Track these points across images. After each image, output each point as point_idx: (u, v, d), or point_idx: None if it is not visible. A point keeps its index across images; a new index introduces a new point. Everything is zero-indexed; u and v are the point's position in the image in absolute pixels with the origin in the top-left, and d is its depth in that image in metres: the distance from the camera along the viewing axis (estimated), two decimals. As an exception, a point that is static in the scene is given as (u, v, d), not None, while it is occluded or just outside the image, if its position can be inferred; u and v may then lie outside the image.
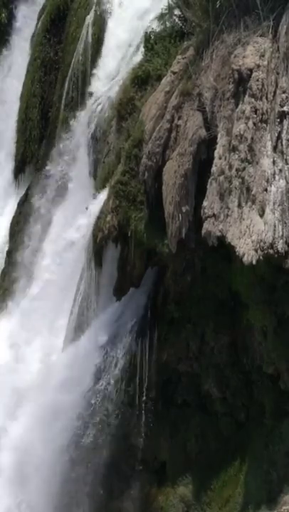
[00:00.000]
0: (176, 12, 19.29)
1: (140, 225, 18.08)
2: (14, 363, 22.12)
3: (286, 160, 15.49)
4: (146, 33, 20.12)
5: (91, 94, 22.58)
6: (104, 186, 19.50)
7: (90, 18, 23.47)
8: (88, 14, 23.61)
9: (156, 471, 19.32)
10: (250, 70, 15.87)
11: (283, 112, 15.60)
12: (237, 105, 16.02)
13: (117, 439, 19.18)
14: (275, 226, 15.32)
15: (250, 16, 16.27)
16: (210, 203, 16.09)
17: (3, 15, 28.04)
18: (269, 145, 15.62)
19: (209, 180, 16.22)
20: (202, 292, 17.97)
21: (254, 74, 15.83)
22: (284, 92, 15.68)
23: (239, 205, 15.70)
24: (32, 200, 24.56)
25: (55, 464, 19.49)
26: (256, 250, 15.35)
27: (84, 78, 23.08)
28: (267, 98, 15.74)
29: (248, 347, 17.67)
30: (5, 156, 26.93)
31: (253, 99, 15.77)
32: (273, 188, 15.47)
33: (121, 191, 18.45)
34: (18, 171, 26.10)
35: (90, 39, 23.22)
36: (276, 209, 15.39)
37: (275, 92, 15.75)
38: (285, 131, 15.58)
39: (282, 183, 15.45)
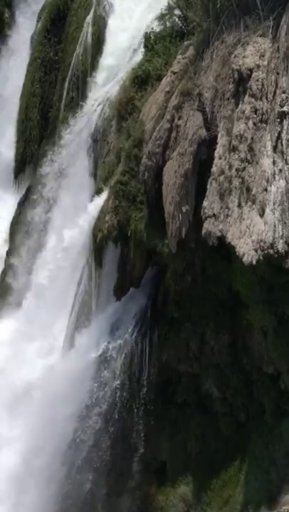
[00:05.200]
0: (177, 12, 19.31)
1: (140, 225, 18.08)
2: (14, 363, 22.14)
3: (286, 160, 15.50)
4: (146, 32, 20.14)
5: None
6: (104, 186, 19.51)
7: (90, 18, 23.49)
8: (88, 14, 23.63)
9: (156, 471, 19.33)
10: (250, 70, 15.88)
11: (283, 112, 15.60)
12: (237, 105, 16.02)
13: (117, 439, 19.18)
14: (275, 226, 15.32)
15: (250, 16, 16.28)
16: (210, 203, 16.10)
17: (7, 14, 28.07)
18: (269, 145, 15.62)
19: (209, 180, 16.22)
20: (202, 292, 17.97)
21: (254, 74, 15.83)
22: (284, 92, 15.68)
23: (239, 205, 15.70)
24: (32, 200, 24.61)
25: (54, 464, 19.49)
26: (256, 250, 15.35)
27: (84, 78, 23.09)
28: (267, 98, 15.75)
29: (248, 347, 17.67)
30: None
31: (253, 99, 15.78)
32: (273, 188, 15.47)
33: (121, 191, 18.46)
34: (18, 171, 26.10)
35: (89, 39, 23.24)
36: (276, 209, 15.39)
37: (275, 92, 15.75)
38: (285, 131, 15.58)
39: (282, 183, 15.45)
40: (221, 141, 16.16)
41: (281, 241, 15.29)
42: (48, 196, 23.94)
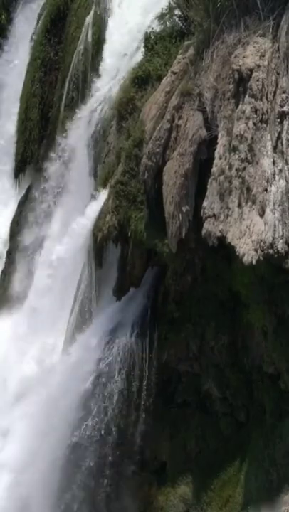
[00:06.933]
0: (177, 12, 19.30)
1: (140, 225, 18.08)
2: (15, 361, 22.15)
3: (286, 160, 15.50)
4: (146, 32, 20.12)
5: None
6: (104, 186, 19.51)
7: (90, 18, 23.48)
8: (88, 14, 23.62)
9: (156, 471, 19.33)
10: (251, 70, 15.89)
11: (283, 112, 15.61)
12: (237, 105, 16.03)
13: (117, 439, 19.18)
14: (275, 226, 15.34)
15: (250, 16, 16.29)
16: (210, 203, 16.10)
17: (3, 16, 28.03)
18: (269, 145, 15.63)
19: (209, 180, 16.23)
20: (202, 292, 17.98)
21: (254, 74, 15.84)
22: (284, 92, 15.69)
23: (239, 205, 15.71)
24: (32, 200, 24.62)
25: (54, 465, 19.48)
26: (256, 250, 15.36)
27: (84, 78, 23.08)
28: (267, 98, 15.76)
29: (248, 347, 17.67)
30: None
31: (253, 100, 15.79)
32: (273, 188, 15.48)
33: (121, 191, 18.46)
34: (18, 171, 26.10)
35: (90, 39, 23.23)
36: (276, 209, 15.40)
37: (275, 92, 15.76)
38: (285, 131, 15.59)
39: (282, 183, 15.46)
40: (221, 141, 16.16)
41: (281, 241, 15.30)
42: (48, 196, 23.94)
